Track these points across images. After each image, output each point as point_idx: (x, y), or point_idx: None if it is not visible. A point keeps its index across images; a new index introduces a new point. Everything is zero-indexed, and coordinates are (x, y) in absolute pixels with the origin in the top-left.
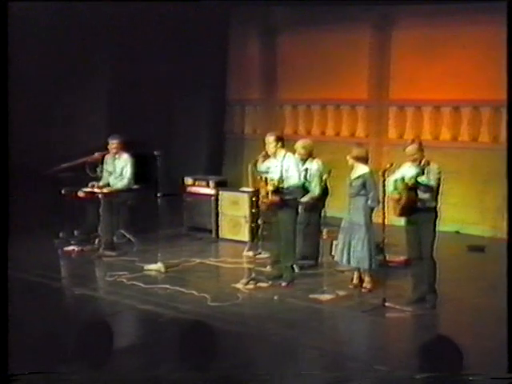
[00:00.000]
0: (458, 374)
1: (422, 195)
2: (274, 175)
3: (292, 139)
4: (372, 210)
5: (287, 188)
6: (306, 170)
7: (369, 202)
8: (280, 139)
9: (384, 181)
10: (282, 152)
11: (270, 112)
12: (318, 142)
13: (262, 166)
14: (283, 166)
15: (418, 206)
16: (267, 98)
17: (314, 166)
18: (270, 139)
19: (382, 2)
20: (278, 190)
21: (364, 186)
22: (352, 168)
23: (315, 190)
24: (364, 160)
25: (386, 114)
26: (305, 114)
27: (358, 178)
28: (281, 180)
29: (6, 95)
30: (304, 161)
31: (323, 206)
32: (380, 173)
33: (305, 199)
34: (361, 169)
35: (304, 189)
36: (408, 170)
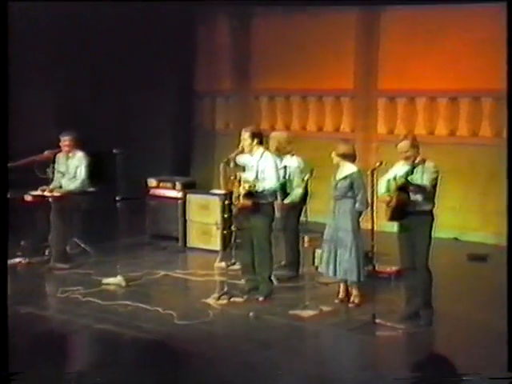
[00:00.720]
0: (458, 374)
1: (415, 197)
2: (248, 175)
3: (269, 135)
4: (360, 214)
5: (261, 192)
6: (285, 167)
7: (356, 205)
8: (256, 135)
9: (373, 181)
10: (259, 150)
11: (243, 104)
12: (298, 137)
13: (240, 159)
14: (259, 166)
15: (411, 209)
16: (240, 88)
17: (293, 163)
18: (246, 135)
19: (378, 1)
20: (250, 193)
21: (351, 187)
22: (337, 167)
23: (297, 191)
24: (351, 158)
25: (374, 106)
26: (283, 106)
27: (345, 178)
28: (255, 182)
29: (6, 95)
30: (281, 156)
31: (301, 209)
32: (368, 172)
33: (287, 201)
34: (348, 168)
35: (282, 190)
36: (401, 169)
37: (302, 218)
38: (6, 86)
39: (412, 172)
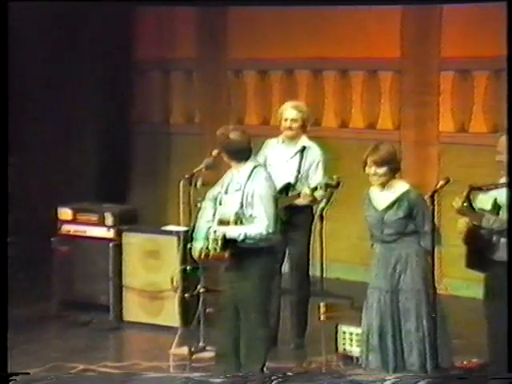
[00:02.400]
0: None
1: (495, 237)
2: (228, 206)
3: (261, 135)
4: (431, 255)
5: (243, 240)
6: (301, 157)
7: (424, 241)
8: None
9: (434, 210)
10: (246, 165)
11: (217, 83)
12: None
13: (212, 191)
14: (245, 193)
15: (492, 254)
16: (212, 56)
17: (313, 152)
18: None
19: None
20: (226, 241)
21: (410, 214)
22: (375, 190)
23: (317, 193)
24: (395, 168)
25: (435, 86)
26: (283, 87)
27: (397, 203)
28: (237, 219)
29: (6, 96)
30: (293, 140)
31: (309, 236)
32: (426, 197)
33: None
34: (395, 187)
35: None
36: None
37: (314, 273)
38: (6, 87)
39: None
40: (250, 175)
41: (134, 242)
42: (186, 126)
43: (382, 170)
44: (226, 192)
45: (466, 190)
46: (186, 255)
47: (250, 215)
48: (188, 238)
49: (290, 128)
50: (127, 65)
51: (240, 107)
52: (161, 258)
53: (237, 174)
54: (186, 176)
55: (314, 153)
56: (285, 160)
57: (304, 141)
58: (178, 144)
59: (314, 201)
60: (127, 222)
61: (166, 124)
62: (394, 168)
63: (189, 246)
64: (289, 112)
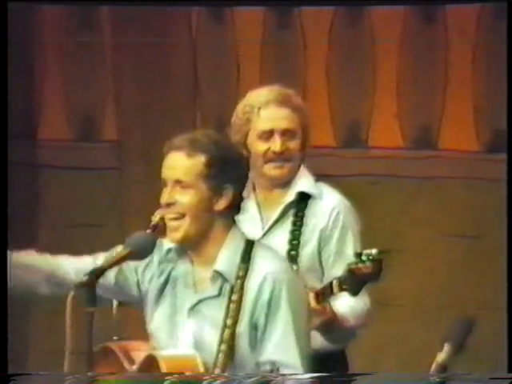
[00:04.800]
0: (458, 374)
1: None
2: (186, 348)
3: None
4: None
5: None
6: (300, 219)
7: None
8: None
9: None
10: (229, 236)
11: (170, 32)
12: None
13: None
14: (247, 303)
15: None
16: None
17: (327, 206)
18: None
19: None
20: None
21: None
22: None
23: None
24: None
25: None
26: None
27: None
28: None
29: (6, 95)
30: (286, 184)
31: None
32: None
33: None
34: None
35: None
36: None
37: None
38: (6, 87)
39: None
40: (247, 255)
41: None
42: (81, 144)
43: None
44: (179, 308)
45: None
46: None
47: (257, 363)
48: None
49: (281, 154)
50: None
51: (227, 89)
52: None
53: (201, 262)
54: (84, 277)
55: (330, 208)
56: (261, 229)
57: (303, 182)
58: (58, 192)
59: (335, 318)
60: None
61: (28, 140)
62: None
63: None
64: (274, 112)
